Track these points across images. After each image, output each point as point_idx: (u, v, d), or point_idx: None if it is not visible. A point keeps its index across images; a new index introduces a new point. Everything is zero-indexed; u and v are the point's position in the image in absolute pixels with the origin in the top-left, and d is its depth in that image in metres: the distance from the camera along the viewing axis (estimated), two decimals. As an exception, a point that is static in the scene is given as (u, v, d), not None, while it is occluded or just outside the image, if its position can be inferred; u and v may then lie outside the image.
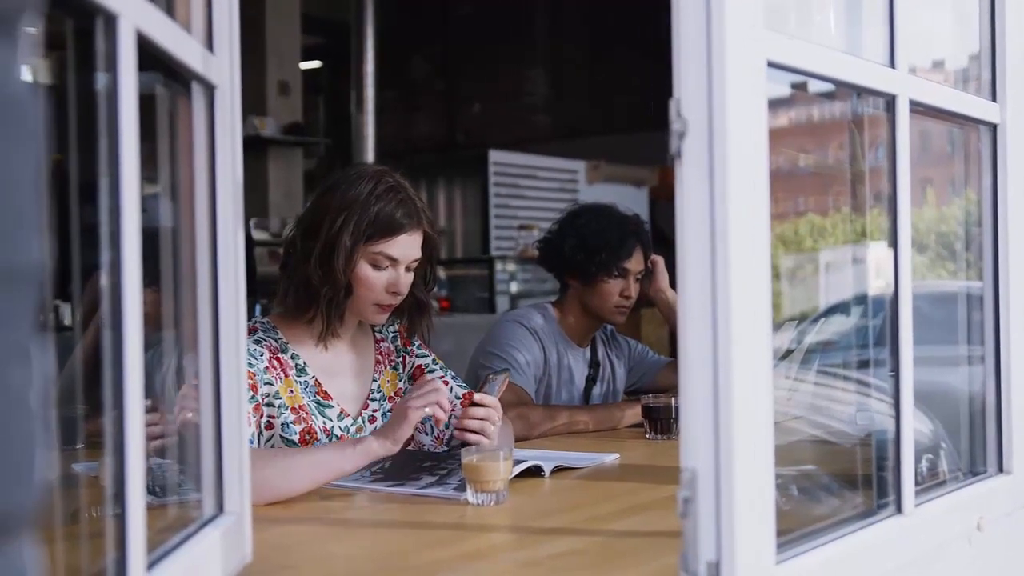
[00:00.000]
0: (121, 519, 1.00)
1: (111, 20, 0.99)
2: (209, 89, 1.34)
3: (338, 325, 2.24)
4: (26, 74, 0.60)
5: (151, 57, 1.11)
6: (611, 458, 2.34)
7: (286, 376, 2.18)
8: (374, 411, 2.31)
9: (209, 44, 1.34)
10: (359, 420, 2.27)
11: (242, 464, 1.39)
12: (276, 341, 2.21)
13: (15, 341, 0.58)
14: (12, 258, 0.57)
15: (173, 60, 1.19)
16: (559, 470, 2.17)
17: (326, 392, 2.23)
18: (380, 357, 2.37)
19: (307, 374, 2.22)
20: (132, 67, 1.02)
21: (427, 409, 1.95)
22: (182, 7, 1.30)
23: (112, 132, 1.00)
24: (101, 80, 1.01)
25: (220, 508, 1.36)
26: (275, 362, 2.17)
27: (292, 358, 2.21)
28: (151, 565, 1.09)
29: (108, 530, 1.04)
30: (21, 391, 0.58)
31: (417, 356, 2.43)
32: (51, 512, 1.02)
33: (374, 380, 2.34)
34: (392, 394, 2.36)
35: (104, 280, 1.01)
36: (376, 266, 2.19)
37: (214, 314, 1.36)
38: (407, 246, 2.21)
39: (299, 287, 2.19)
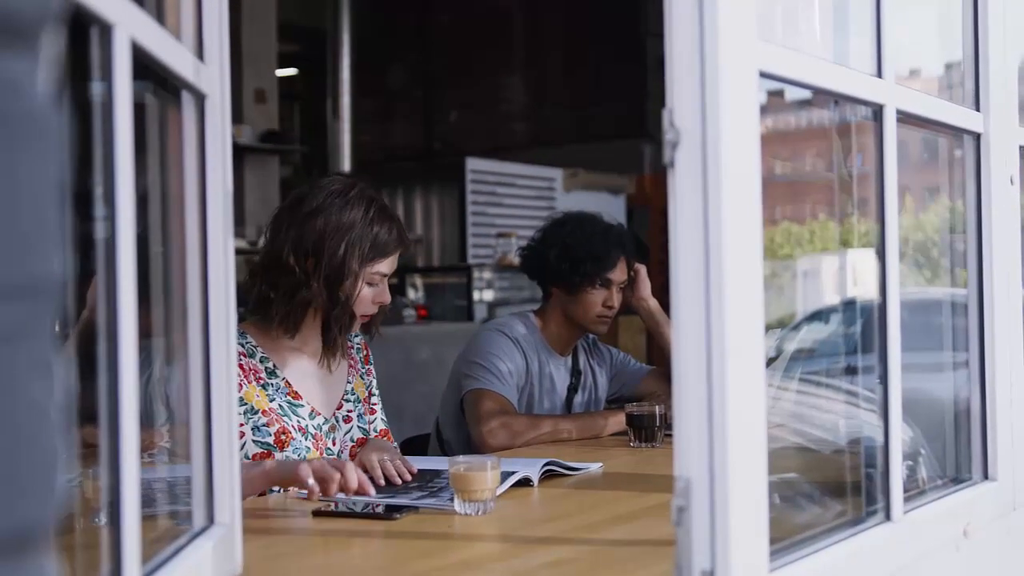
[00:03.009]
0: (116, 530, 1.00)
1: (106, 29, 0.98)
2: (199, 98, 1.33)
3: (344, 343, 2.35)
4: (47, 86, 0.60)
5: (142, 65, 1.11)
6: (595, 467, 2.34)
7: (249, 382, 2.23)
8: (348, 411, 2.39)
9: (200, 53, 1.34)
10: (332, 419, 2.34)
11: (233, 475, 1.38)
12: (243, 346, 2.24)
13: (37, 354, 0.57)
14: (34, 271, 0.57)
15: (165, 69, 1.19)
16: (547, 476, 2.17)
17: (296, 392, 2.29)
18: (352, 361, 2.45)
19: (278, 376, 2.27)
20: (127, 76, 1.01)
21: (311, 481, 1.90)
22: (172, 15, 1.30)
23: (107, 141, 1.00)
24: (95, 89, 1.01)
25: (211, 519, 1.35)
26: (239, 368, 2.19)
27: (261, 361, 2.27)
28: (144, 577, 1.08)
29: (99, 541, 1.03)
30: (43, 404, 0.58)
31: (373, 377, 2.52)
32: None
33: (348, 382, 2.41)
34: (363, 398, 2.44)
35: (99, 290, 1.00)
36: (371, 284, 2.28)
37: (204, 325, 1.35)
38: (395, 261, 2.33)
39: (300, 308, 2.25)
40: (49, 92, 0.60)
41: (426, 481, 2.12)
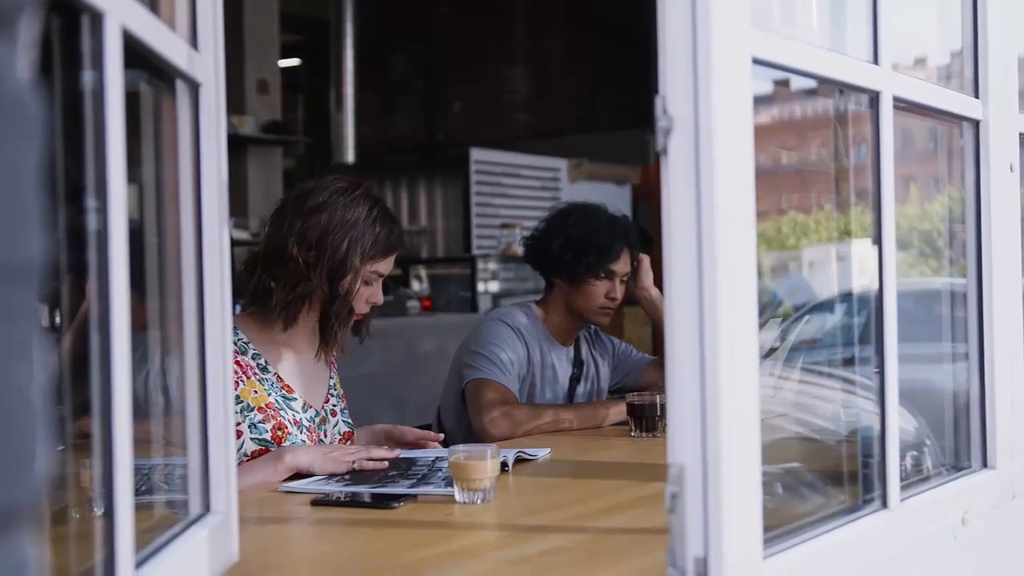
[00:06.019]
0: (109, 518, 1.00)
1: (97, 18, 0.98)
2: (194, 87, 1.33)
3: (342, 337, 2.36)
4: (26, 70, 0.60)
5: (135, 55, 1.11)
6: (543, 452, 2.37)
7: (248, 378, 2.25)
8: (334, 406, 2.44)
9: (194, 42, 1.34)
10: (322, 412, 2.39)
11: (228, 463, 1.38)
12: (235, 343, 2.25)
13: (18, 337, 0.58)
14: (14, 254, 0.57)
15: (158, 58, 1.19)
16: (519, 462, 2.22)
17: (289, 386, 2.32)
18: (333, 360, 2.49)
19: (269, 372, 2.30)
20: (118, 65, 1.01)
21: (355, 465, 2.12)
22: (166, 4, 1.29)
23: (99, 130, 1.00)
24: (86, 78, 1.01)
25: (207, 507, 1.36)
26: (235, 365, 2.21)
27: (253, 358, 2.29)
28: (139, 564, 1.09)
29: (95, 530, 1.04)
30: (24, 387, 0.58)
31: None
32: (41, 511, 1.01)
33: (331, 377, 2.46)
34: (341, 395, 2.50)
35: (91, 281, 1.00)
36: (366, 282, 2.31)
37: (200, 314, 1.35)
38: (392, 262, 2.37)
39: (299, 300, 2.27)
40: (28, 78, 0.60)
41: (405, 469, 2.12)
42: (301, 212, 2.27)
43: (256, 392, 2.25)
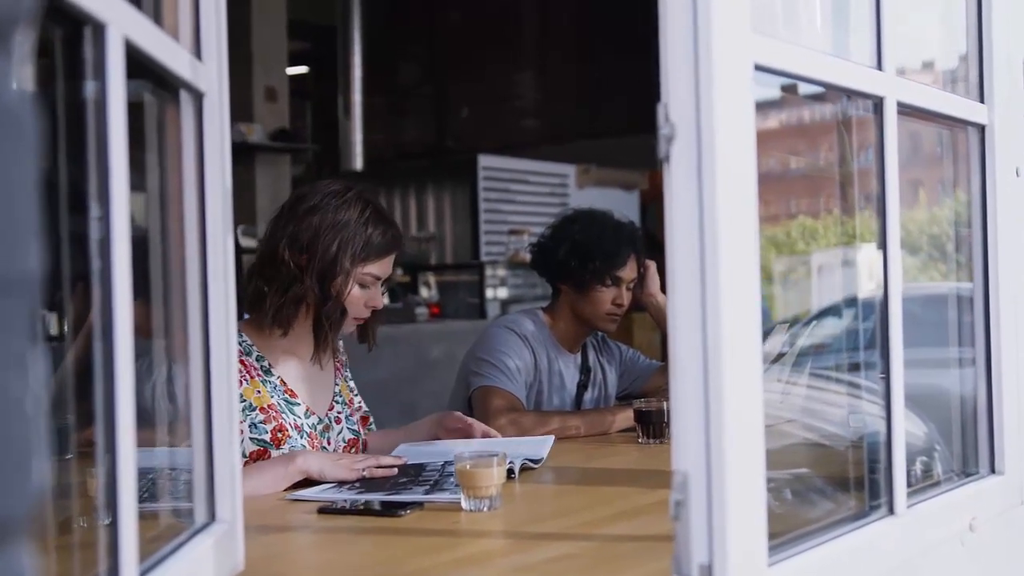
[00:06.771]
0: (113, 528, 1.00)
1: (99, 29, 0.99)
2: (197, 97, 1.34)
3: (334, 340, 2.36)
4: (21, 83, 0.60)
5: (139, 65, 1.11)
6: (548, 440, 2.41)
7: (252, 378, 2.26)
8: (338, 413, 2.44)
9: (197, 52, 1.34)
10: (326, 419, 2.38)
11: (234, 472, 1.38)
12: (240, 345, 2.26)
13: (13, 349, 0.58)
14: (10, 266, 0.58)
15: (161, 68, 1.19)
16: (525, 469, 2.21)
17: (292, 391, 2.32)
18: (338, 366, 2.49)
19: (273, 375, 2.30)
20: (121, 75, 1.01)
21: (365, 472, 2.12)
22: (169, 14, 1.30)
23: (101, 140, 1.00)
24: (89, 88, 1.01)
25: (212, 516, 1.36)
26: (239, 365, 2.22)
27: (257, 360, 2.30)
28: (143, 573, 1.09)
29: (100, 539, 1.04)
30: (19, 398, 0.58)
31: (351, 379, 2.55)
32: (43, 521, 1.01)
33: (336, 384, 2.46)
34: (347, 400, 2.48)
35: (94, 290, 1.00)
36: (362, 285, 2.31)
37: (204, 323, 1.36)
38: (390, 265, 2.35)
39: (292, 303, 2.27)
40: (24, 90, 0.60)
41: (415, 476, 2.12)
42: (295, 216, 2.29)
43: (259, 392, 2.25)
